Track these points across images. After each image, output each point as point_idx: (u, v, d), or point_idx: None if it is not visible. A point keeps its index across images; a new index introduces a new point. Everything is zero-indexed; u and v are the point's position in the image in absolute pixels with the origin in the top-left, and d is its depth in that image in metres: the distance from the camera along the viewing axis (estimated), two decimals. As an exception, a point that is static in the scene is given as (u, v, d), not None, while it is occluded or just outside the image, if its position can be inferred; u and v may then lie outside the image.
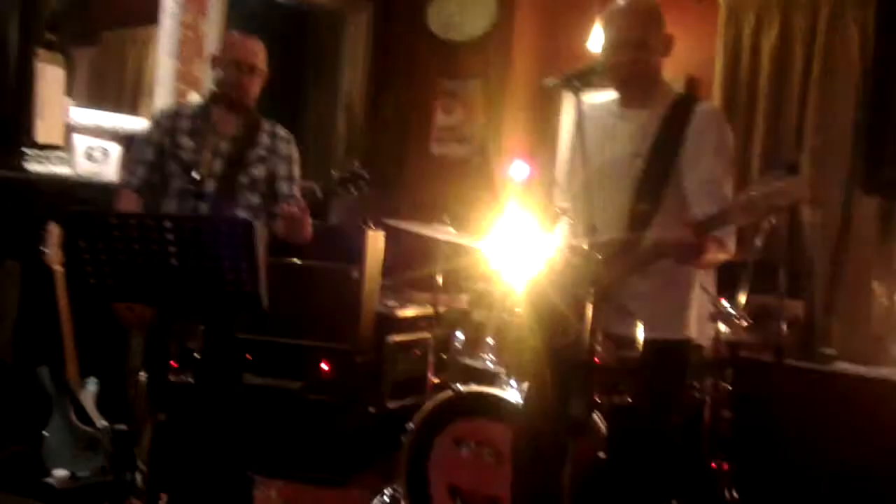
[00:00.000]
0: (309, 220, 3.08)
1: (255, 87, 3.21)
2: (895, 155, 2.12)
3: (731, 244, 2.37)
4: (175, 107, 3.36)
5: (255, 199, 3.22)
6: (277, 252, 3.49)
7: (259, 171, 3.21)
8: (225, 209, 3.09)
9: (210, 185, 3.10)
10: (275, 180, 3.26)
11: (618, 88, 2.58)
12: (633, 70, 2.48)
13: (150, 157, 3.22)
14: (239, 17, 5.05)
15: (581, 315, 2.19)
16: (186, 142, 3.18)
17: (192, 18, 4.61)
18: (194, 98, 4.46)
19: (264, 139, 3.25)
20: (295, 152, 3.33)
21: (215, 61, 3.25)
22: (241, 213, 3.14)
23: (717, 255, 2.36)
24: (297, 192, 3.29)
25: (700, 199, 2.40)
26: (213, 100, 3.22)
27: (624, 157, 2.49)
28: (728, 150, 2.49)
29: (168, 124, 3.22)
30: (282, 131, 3.31)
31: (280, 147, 3.27)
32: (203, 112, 3.24)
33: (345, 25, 5.68)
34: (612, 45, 2.50)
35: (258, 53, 3.20)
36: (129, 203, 3.17)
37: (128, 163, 3.35)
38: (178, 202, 3.14)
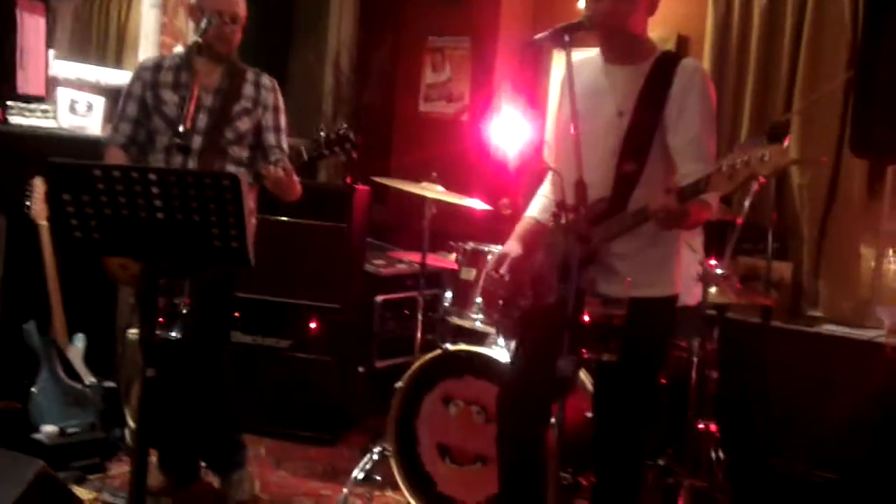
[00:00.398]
0: (296, 180, 3.04)
1: (238, 36, 3.17)
2: (885, 115, 2.10)
3: (714, 203, 2.37)
4: (156, 59, 3.29)
5: (243, 153, 3.20)
6: (265, 210, 3.47)
7: (244, 125, 3.18)
8: (212, 164, 3.07)
9: (196, 141, 3.08)
10: (261, 131, 3.23)
11: (601, 42, 2.55)
12: (611, 20, 2.43)
13: (133, 112, 3.19)
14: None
15: (567, 274, 2.19)
16: (170, 96, 3.15)
17: (175, -30, 4.53)
18: (178, 50, 4.40)
19: (248, 90, 3.21)
20: (280, 101, 3.30)
21: (193, 11, 3.19)
22: (230, 168, 3.12)
23: (701, 216, 2.38)
24: (284, 142, 3.26)
25: (685, 159, 2.40)
26: (196, 51, 3.14)
27: (609, 115, 2.47)
28: (711, 108, 2.47)
29: (150, 78, 3.18)
30: (266, 80, 3.27)
31: (265, 97, 3.24)
32: (185, 64, 3.19)
33: (332, -22, 5.60)
34: None
35: (239, 2, 3.15)
36: (117, 159, 3.15)
37: (113, 119, 3.31)
38: (165, 158, 3.13)
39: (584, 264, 2.18)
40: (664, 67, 2.45)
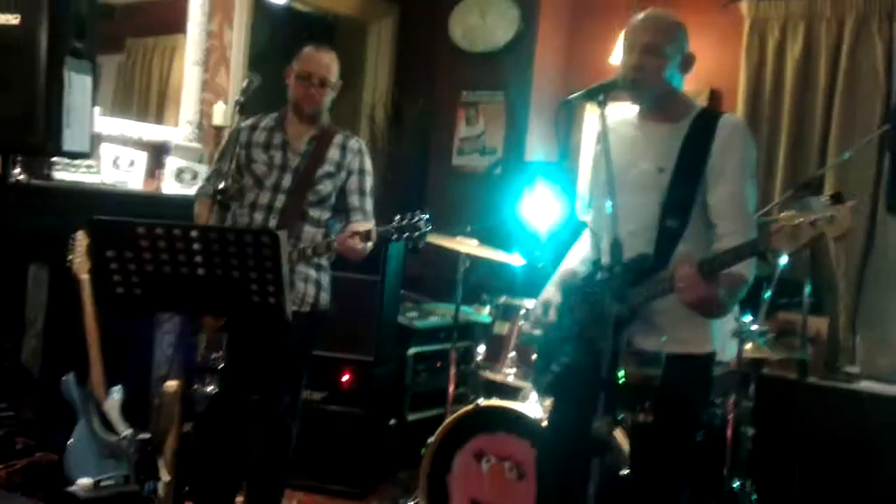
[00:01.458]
0: (366, 247, 3.07)
1: (326, 98, 3.24)
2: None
3: (748, 273, 2.36)
4: (255, 119, 3.38)
5: (324, 215, 3.27)
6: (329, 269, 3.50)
7: (326, 188, 3.24)
8: (293, 224, 3.15)
9: (280, 200, 3.19)
10: (345, 194, 3.28)
11: (636, 100, 2.57)
12: (639, 75, 2.44)
13: (225, 168, 3.26)
14: (264, 26, 5.09)
15: (605, 333, 2.18)
16: (259, 155, 3.26)
17: (218, 27, 4.64)
18: (219, 108, 4.49)
19: (334, 154, 3.27)
20: (367, 163, 3.34)
21: (288, 73, 3.29)
22: (308, 229, 3.20)
23: (735, 294, 2.36)
24: (368, 204, 3.31)
25: (723, 216, 2.40)
26: (287, 112, 3.28)
27: (649, 171, 2.47)
28: (752, 164, 2.47)
29: (245, 138, 3.30)
30: (354, 143, 3.32)
31: (350, 160, 3.29)
32: (278, 126, 3.31)
33: (368, 35, 5.71)
34: (625, 48, 2.50)
35: (330, 66, 3.24)
36: (203, 210, 3.26)
37: (208, 173, 3.46)
38: (250, 213, 3.23)
39: (621, 324, 2.17)
40: (704, 123, 2.46)
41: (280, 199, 3.19)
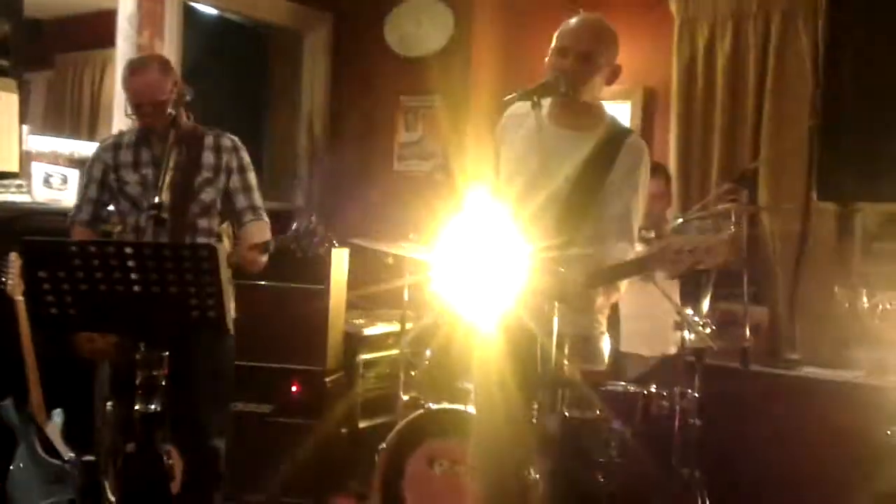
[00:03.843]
0: (260, 259, 3.07)
1: (166, 112, 3.01)
2: (847, 160, 2.16)
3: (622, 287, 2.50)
4: (115, 138, 3.26)
5: (213, 223, 3.19)
6: (242, 274, 3.47)
7: (209, 196, 3.15)
8: (183, 240, 3.06)
9: (164, 214, 3.05)
10: (230, 195, 3.20)
11: (561, 103, 2.57)
12: (574, 80, 2.46)
13: (94, 194, 3.22)
14: (196, 38, 5.03)
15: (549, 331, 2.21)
16: (131, 176, 3.15)
17: (148, 40, 4.57)
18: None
19: (208, 158, 3.16)
20: (245, 158, 3.23)
21: (128, 100, 3.14)
22: (201, 240, 3.10)
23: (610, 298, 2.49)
24: (256, 199, 3.23)
25: (609, 234, 2.47)
26: (146, 131, 3.16)
27: (556, 177, 2.50)
28: (644, 187, 2.56)
29: (110, 160, 3.18)
30: (226, 140, 3.21)
31: (227, 160, 3.18)
32: (144, 140, 3.17)
33: (303, 44, 5.68)
34: (558, 51, 2.51)
35: (152, 86, 3.04)
36: (84, 237, 3.16)
37: (77, 200, 3.31)
38: (136, 237, 3.13)
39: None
40: (612, 140, 2.52)
41: (164, 215, 3.00)
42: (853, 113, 2.18)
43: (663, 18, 4.56)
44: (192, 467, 3.16)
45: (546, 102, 2.52)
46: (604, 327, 2.62)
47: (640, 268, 2.26)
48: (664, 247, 2.13)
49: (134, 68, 3.12)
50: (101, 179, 3.19)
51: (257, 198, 3.24)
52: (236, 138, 3.26)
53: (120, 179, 3.15)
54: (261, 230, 3.20)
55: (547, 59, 2.53)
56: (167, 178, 2.89)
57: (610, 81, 2.56)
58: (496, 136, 2.67)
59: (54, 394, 3.49)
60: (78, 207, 3.25)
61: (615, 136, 2.52)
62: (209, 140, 3.18)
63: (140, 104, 3.06)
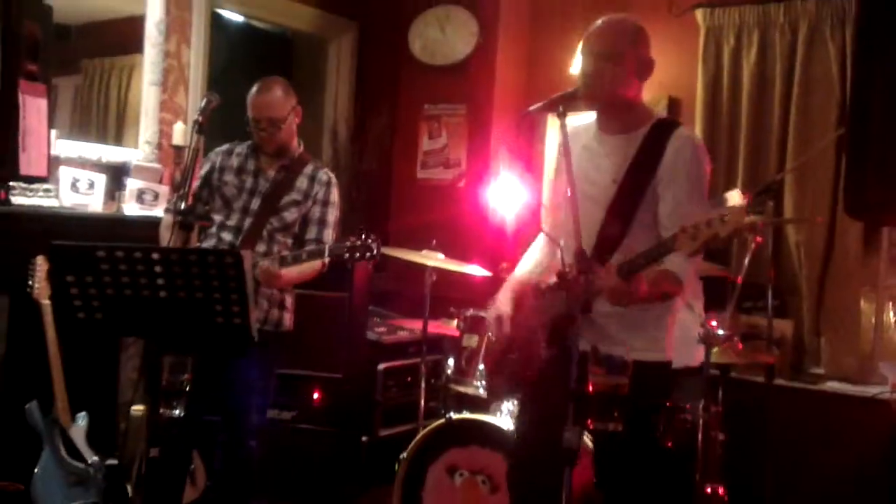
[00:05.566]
0: (280, 276, 3.12)
1: (281, 135, 3.29)
2: (877, 175, 2.12)
3: (685, 275, 2.37)
4: (231, 145, 3.47)
5: (287, 240, 3.32)
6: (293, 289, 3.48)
7: (291, 215, 3.30)
8: (254, 246, 3.21)
9: (246, 223, 3.26)
10: (306, 223, 3.34)
11: (594, 108, 2.55)
12: (596, 81, 2.44)
13: (196, 189, 3.37)
14: (223, 44, 5.07)
15: (555, 336, 2.20)
16: (231, 179, 3.35)
17: (176, 47, 4.61)
18: (178, 128, 4.45)
19: (302, 183, 3.34)
20: (333, 195, 3.39)
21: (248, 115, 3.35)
22: (275, 250, 3.24)
23: (662, 288, 2.36)
24: (326, 235, 3.34)
25: (666, 229, 2.40)
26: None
27: (605, 183, 2.49)
28: (702, 178, 2.48)
29: (219, 161, 3.39)
30: (323, 175, 3.38)
31: (317, 190, 3.34)
32: (252, 153, 3.38)
33: (328, 51, 5.70)
34: (583, 56, 2.49)
35: (272, 104, 3.27)
36: (167, 223, 3.32)
37: (179, 190, 3.43)
38: (217, 233, 3.31)
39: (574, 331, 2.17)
40: (658, 136, 2.46)
41: (248, 222, 3.25)
42: (882, 125, 2.14)
43: (689, 27, 4.55)
44: (229, 466, 3.24)
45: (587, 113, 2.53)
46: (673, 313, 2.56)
47: (663, 249, 2.20)
48: (683, 225, 2.09)
49: (259, 86, 3.33)
50: (206, 177, 3.39)
51: (328, 234, 3.35)
52: (333, 175, 3.43)
53: (221, 179, 3.35)
54: (311, 263, 3.22)
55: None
56: (189, 184, 3.00)
57: (643, 76, 2.51)
58: (558, 154, 2.65)
59: (79, 397, 3.51)
60: (180, 198, 3.35)
61: (662, 131, 2.47)
62: (309, 168, 3.38)
63: (256, 119, 3.27)
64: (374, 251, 3.03)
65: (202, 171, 3.43)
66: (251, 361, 3.11)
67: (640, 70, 2.50)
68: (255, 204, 3.28)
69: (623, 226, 2.44)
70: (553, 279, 2.42)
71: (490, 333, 2.75)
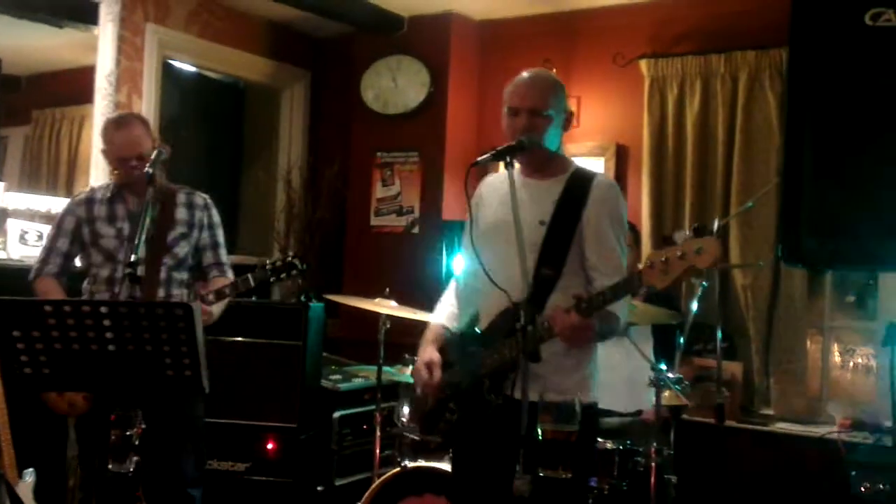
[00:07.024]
0: (213, 312, 3.13)
1: (146, 163, 3.06)
2: (813, 224, 2.18)
3: (622, 315, 2.46)
4: (87, 194, 3.34)
5: (184, 275, 3.27)
6: (219, 330, 3.48)
7: (182, 249, 3.25)
8: (156, 291, 3.14)
9: (140, 271, 3.08)
10: (199, 251, 3.31)
11: (526, 159, 2.62)
12: (534, 136, 2.52)
13: (64, 247, 3.26)
14: (174, 95, 5.07)
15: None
16: (106, 229, 3.22)
17: (127, 98, 4.61)
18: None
19: (182, 214, 3.27)
20: (215, 216, 3.36)
21: (104, 154, 3.27)
22: (176, 292, 3.19)
23: (610, 329, 2.45)
24: (223, 256, 3.33)
25: (598, 273, 2.49)
26: (120, 186, 3.25)
27: (531, 224, 2.53)
28: (624, 221, 2.61)
29: (84, 214, 3.25)
30: (198, 199, 3.34)
31: (199, 217, 3.30)
32: (118, 196, 3.26)
33: (280, 100, 5.75)
34: (508, 111, 2.59)
35: (138, 141, 3.16)
36: (52, 288, 3.21)
37: (43, 253, 3.34)
38: (109, 288, 3.18)
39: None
40: (580, 182, 2.58)
41: (139, 270, 3.00)
42: (815, 175, 2.22)
43: (634, 77, 4.66)
44: None
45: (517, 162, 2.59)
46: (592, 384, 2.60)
47: (631, 285, 2.26)
48: (651, 258, 2.13)
49: (118, 123, 3.24)
50: (73, 232, 3.25)
51: (223, 254, 3.36)
52: (207, 196, 3.37)
53: (94, 233, 3.21)
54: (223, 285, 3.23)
55: (502, 120, 2.60)
56: (143, 235, 2.92)
57: (566, 128, 2.65)
58: (473, 203, 2.71)
59: (26, 452, 3.44)
60: (44, 260, 3.29)
61: (583, 177, 2.60)
62: (182, 197, 3.30)
63: (125, 158, 3.16)
64: (299, 265, 3.08)
65: (65, 225, 3.26)
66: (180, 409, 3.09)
67: (564, 123, 2.64)
68: (142, 250, 3.03)
69: (558, 265, 2.51)
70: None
71: (417, 388, 2.74)
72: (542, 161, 2.61)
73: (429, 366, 2.64)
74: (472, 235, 2.57)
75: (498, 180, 2.71)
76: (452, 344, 2.68)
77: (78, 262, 3.35)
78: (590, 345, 2.53)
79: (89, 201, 3.27)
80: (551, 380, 2.42)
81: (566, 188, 2.57)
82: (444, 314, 2.81)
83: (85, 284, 3.27)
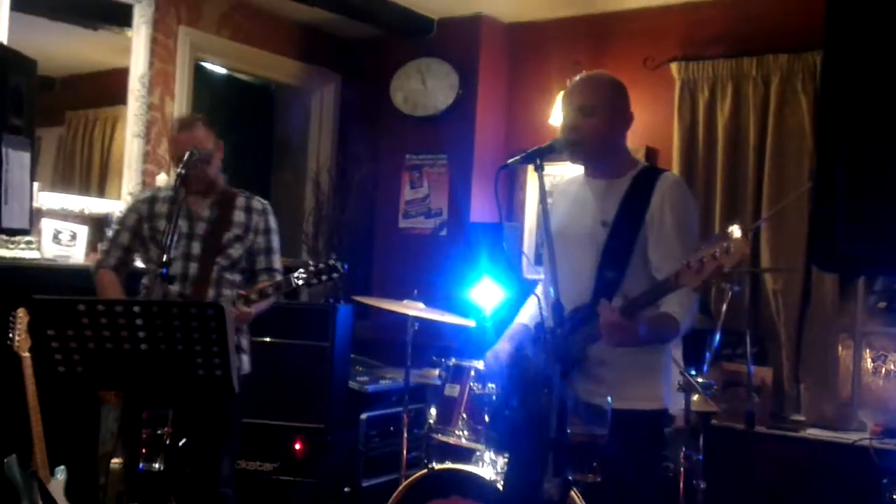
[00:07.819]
0: (250, 312, 3.15)
1: (210, 169, 3.25)
2: (847, 229, 2.16)
3: (683, 318, 2.38)
4: (153, 191, 3.43)
5: (236, 277, 3.29)
6: (249, 331, 3.49)
7: (236, 251, 3.27)
8: (206, 291, 3.17)
9: (192, 269, 3.19)
10: (252, 255, 3.33)
11: (573, 159, 2.61)
12: (575, 136, 2.51)
13: (125, 241, 3.32)
14: (205, 97, 5.12)
15: (547, 391, 2.20)
16: (165, 226, 3.22)
17: (159, 99, 4.66)
18: (161, 179, 4.48)
19: (239, 216, 3.31)
20: (272, 222, 3.39)
21: (169, 153, 3.32)
22: (226, 293, 3.21)
23: (662, 331, 2.38)
24: (276, 262, 3.36)
25: (662, 272, 2.40)
26: (182, 184, 3.26)
27: (593, 226, 2.52)
28: (690, 222, 2.52)
29: (145, 210, 3.31)
30: (257, 203, 3.38)
31: (256, 221, 3.33)
32: (177, 195, 3.27)
33: (310, 102, 5.77)
34: (564, 110, 2.58)
35: (199, 141, 3.22)
36: (111, 281, 3.26)
37: (105, 245, 3.43)
38: (162, 285, 3.19)
39: (561, 379, 2.17)
40: (644, 180, 2.52)
41: (192, 268, 3.20)
42: (849, 177, 2.19)
43: (665, 80, 4.64)
44: None
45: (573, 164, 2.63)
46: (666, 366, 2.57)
47: (667, 286, 2.23)
48: (689, 258, 2.12)
49: (182, 124, 3.33)
50: (134, 228, 3.31)
51: (276, 260, 3.38)
52: (267, 202, 3.42)
53: (154, 229, 3.27)
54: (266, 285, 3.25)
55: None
56: (174, 237, 2.96)
57: (624, 126, 2.59)
58: (546, 210, 2.70)
59: (58, 450, 3.48)
60: (106, 252, 3.35)
61: (649, 176, 2.53)
62: (241, 200, 3.35)
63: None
64: (340, 268, 3.12)
65: (127, 221, 3.34)
66: (219, 410, 3.11)
67: (619, 120, 2.57)
68: (196, 248, 3.22)
69: (620, 267, 2.46)
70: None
71: (484, 367, 2.73)
72: (600, 160, 2.57)
73: (496, 356, 2.64)
74: (544, 240, 2.54)
75: (568, 183, 2.70)
76: (522, 346, 2.66)
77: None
78: (640, 347, 2.42)
79: (152, 199, 3.34)
80: (617, 387, 2.37)
81: (630, 187, 2.51)
82: (525, 315, 2.79)
83: (144, 280, 3.33)
